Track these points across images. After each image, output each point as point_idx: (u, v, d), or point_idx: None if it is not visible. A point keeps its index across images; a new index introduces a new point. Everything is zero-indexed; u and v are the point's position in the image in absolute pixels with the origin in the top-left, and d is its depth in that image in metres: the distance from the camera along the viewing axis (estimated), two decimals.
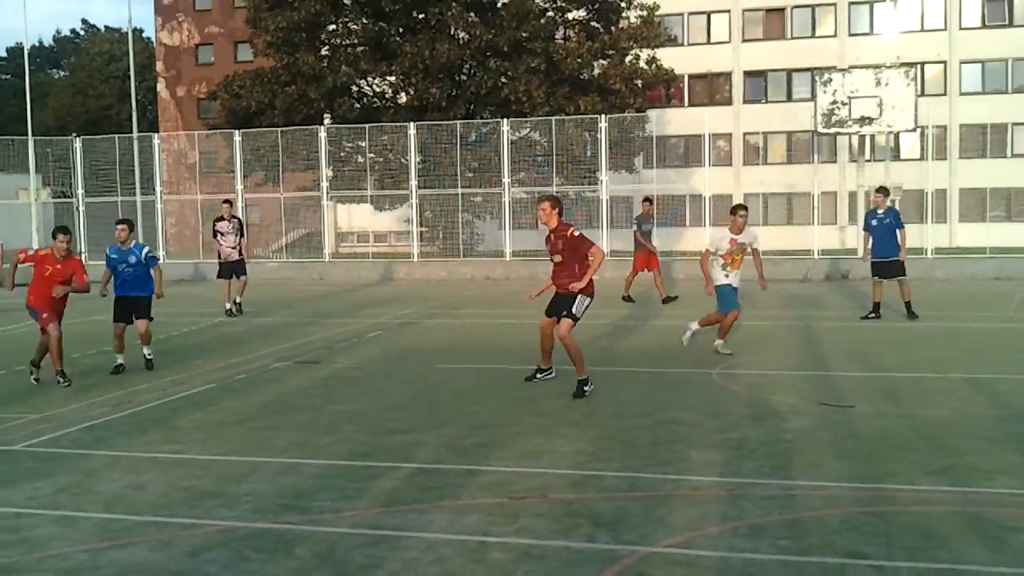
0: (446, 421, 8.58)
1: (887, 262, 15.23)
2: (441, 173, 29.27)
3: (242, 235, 18.26)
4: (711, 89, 49.74)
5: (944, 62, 46.54)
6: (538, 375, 10.38)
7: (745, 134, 48.89)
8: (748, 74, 49.14)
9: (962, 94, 46.36)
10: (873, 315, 15.37)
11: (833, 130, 28.20)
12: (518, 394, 9.84)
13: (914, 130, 30.32)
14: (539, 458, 7.23)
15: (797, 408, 8.90)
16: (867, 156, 30.52)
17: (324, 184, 29.60)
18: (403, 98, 34.97)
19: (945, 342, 13.24)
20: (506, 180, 28.15)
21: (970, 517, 5.73)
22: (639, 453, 7.35)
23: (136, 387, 10.49)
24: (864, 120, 27.30)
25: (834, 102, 27.53)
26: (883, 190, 15.75)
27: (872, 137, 31.19)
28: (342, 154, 31.56)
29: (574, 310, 9.69)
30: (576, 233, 9.77)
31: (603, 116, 28.42)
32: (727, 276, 11.99)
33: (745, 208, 12.17)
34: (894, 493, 6.18)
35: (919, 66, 34.57)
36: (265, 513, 6.03)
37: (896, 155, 38.27)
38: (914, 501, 6.04)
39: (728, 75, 49.38)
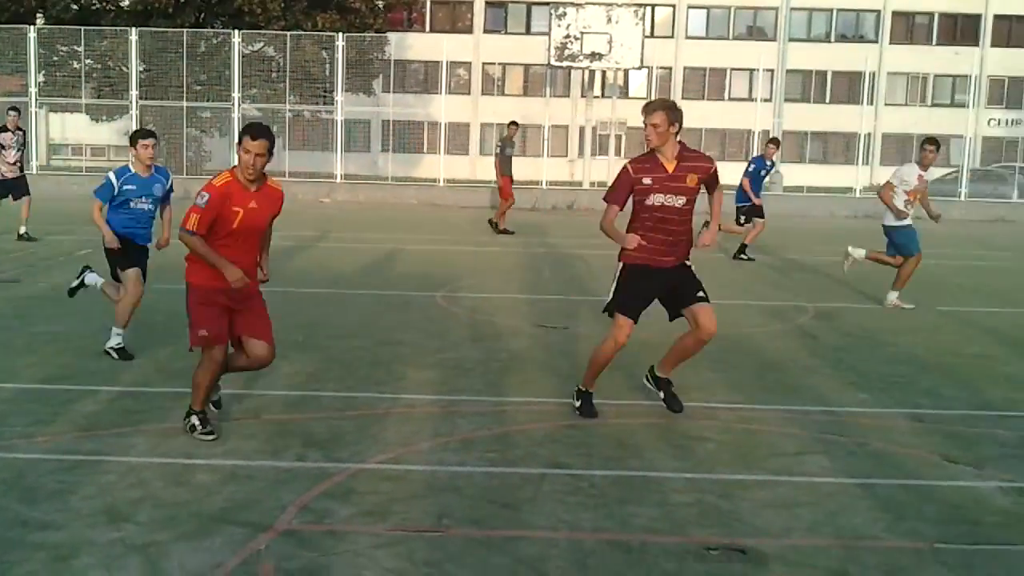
0: (157, 343, 8.19)
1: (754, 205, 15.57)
2: (166, 84, 27.62)
3: (23, 149, 15.96)
4: (453, 16, 49.68)
5: (673, 5, 48.77)
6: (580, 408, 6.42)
7: (484, 64, 49.33)
8: (489, 4, 49.44)
9: (688, 38, 48.86)
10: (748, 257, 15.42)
11: (565, 64, 29.04)
12: None
13: (640, 68, 31.71)
14: (255, 380, 7.05)
15: (515, 329, 9.18)
16: (597, 92, 31.66)
17: (33, 90, 27.22)
18: (125, 1, 32.57)
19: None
20: (236, 95, 27.00)
21: (662, 428, 6.14)
22: (357, 373, 7.34)
23: None
24: (594, 56, 28.27)
25: (567, 36, 28.31)
26: (775, 141, 16.13)
27: (603, 74, 32.35)
28: (55, 58, 29.08)
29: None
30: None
31: (341, 35, 27.76)
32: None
33: (937, 143, 10.87)
34: (598, 407, 6.51)
35: (649, 7, 36.07)
36: None
37: (624, 93, 39.95)
38: (615, 414, 6.40)
39: (470, 3, 49.48)
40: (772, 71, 34.11)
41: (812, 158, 43.46)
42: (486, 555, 4.22)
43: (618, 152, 32.13)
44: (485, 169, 39.85)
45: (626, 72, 34.02)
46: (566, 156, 40.72)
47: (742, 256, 15.43)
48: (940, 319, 10.56)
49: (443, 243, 17.11)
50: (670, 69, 47.10)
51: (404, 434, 5.90)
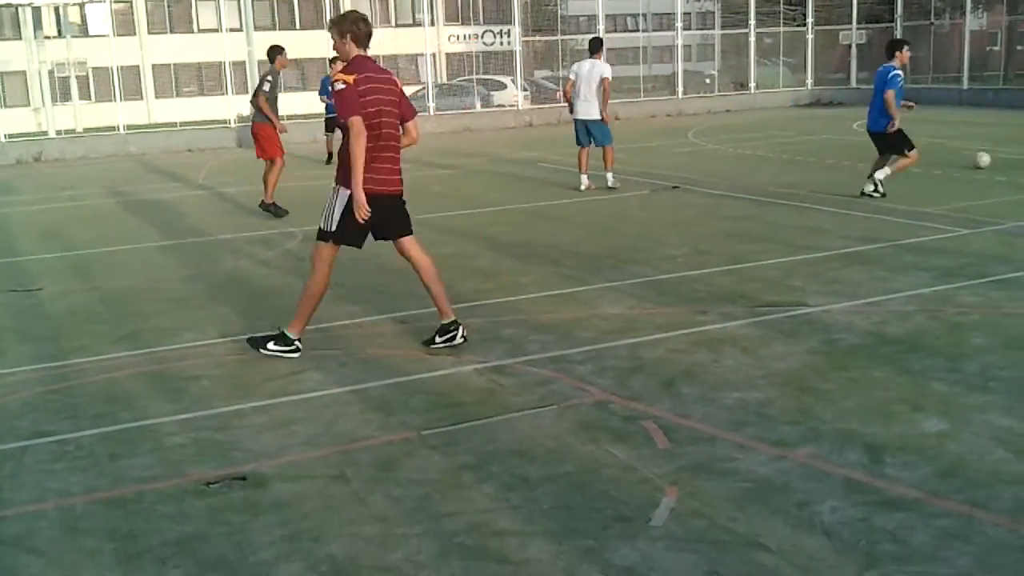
0: None
1: None
2: None
3: None
4: None
5: None
6: None
7: None
8: None
9: None
10: None
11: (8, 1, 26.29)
12: None
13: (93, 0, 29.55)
14: None
15: None
16: (52, 32, 28.96)
17: None
18: None
19: (139, 213, 13.36)
20: None
21: (153, 375, 5.94)
22: None
23: None
24: None
25: None
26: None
27: (59, 12, 29.70)
28: None
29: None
30: None
31: None
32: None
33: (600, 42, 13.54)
34: (80, 367, 6.13)
35: None
36: None
37: (85, 31, 37.05)
38: (100, 371, 6.06)
39: None
40: None
41: (290, 85, 43.59)
42: None
43: (85, 96, 29.89)
44: None
45: (82, 8, 31.43)
46: (29, 105, 36.96)
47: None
48: (418, 227, 11.18)
49: None
50: (131, 3, 44.39)
51: None
